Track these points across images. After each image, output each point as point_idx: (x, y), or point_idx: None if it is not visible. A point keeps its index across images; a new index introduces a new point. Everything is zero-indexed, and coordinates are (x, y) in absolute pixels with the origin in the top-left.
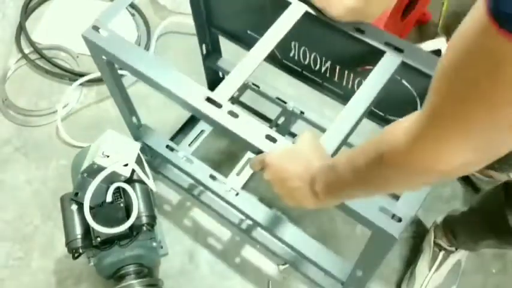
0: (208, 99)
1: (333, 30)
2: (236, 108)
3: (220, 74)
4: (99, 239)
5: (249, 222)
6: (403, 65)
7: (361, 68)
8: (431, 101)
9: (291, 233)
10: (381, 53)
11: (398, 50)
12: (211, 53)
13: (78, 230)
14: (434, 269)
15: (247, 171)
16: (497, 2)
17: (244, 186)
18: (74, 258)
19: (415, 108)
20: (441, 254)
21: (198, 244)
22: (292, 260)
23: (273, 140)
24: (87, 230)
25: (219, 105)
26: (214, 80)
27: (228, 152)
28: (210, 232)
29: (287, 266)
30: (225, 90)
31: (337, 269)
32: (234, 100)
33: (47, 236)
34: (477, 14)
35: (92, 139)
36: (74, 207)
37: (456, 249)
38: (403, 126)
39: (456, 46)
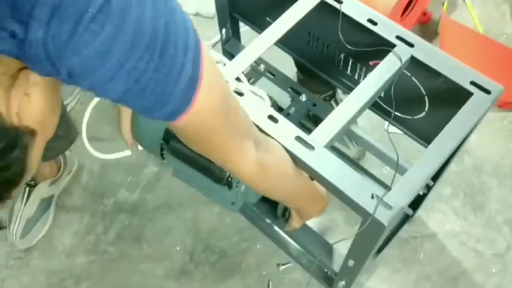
0: None
1: (346, 19)
2: (242, 85)
3: None
4: None
5: (249, 222)
6: (413, 60)
7: (373, 62)
8: None
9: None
10: (392, 48)
11: (409, 44)
12: (231, 38)
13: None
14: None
15: None
16: None
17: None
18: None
19: (423, 106)
20: (27, 188)
21: (198, 244)
22: (293, 257)
23: (275, 120)
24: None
25: None
26: None
27: None
28: (210, 232)
29: (287, 266)
30: (231, 70)
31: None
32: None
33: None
34: None
35: (92, 138)
36: None
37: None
38: None
39: None
